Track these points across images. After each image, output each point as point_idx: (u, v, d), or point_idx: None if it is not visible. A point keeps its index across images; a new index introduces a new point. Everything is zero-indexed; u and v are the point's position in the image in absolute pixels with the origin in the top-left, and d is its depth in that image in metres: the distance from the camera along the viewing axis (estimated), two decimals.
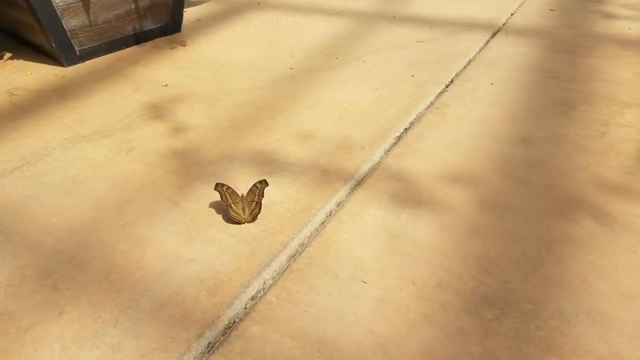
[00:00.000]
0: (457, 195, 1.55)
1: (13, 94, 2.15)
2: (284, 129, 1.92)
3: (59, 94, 2.16)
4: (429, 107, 2.05)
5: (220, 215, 1.47)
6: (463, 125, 1.92)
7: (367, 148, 1.77)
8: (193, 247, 1.35)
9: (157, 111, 2.04)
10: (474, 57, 2.50)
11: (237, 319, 1.17)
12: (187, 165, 1.70)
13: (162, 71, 2.38)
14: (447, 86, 2.23)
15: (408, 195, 1.55)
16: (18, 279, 1.25)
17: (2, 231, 1.40)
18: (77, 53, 2.42)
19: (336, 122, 1.95)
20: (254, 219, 1.45)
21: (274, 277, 1.28)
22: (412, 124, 1.94)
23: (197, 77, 2.34)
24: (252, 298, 1.22)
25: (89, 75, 2.34)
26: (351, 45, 2.66)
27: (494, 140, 1.83)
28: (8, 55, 2.51)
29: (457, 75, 2.33)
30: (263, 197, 1.46)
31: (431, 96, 2.12)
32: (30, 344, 1.11)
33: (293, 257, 1.33)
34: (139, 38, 2.68)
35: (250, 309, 1.19)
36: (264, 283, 1.26)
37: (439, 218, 1.46)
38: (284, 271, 1.29)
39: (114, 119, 1.97)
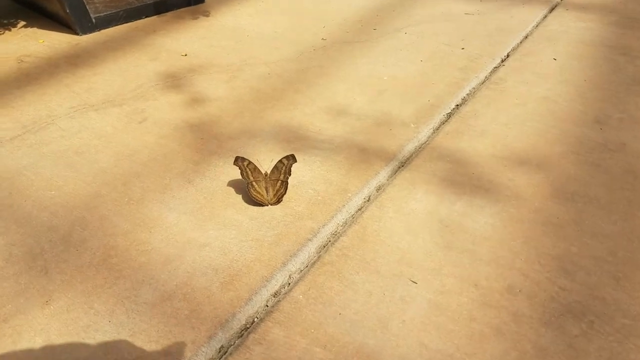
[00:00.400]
0: (524, 181, 1.29)
1: (22, 61, 1.98)
2: (313, 104, 1.68)
3: (70, 62, 1.98)
4: (483, 82, 1.79)
5: (240, 195, 1.25)
6: (525, 102, 1.65)
7: (412, 125, 1.52)
8: (207, 231, 1.14)
9: (174, 81, 1.84)
10: (532, 31, 2.21)
11: (256, 319, 0.95)
12: (203, 139, 1.49)
13: (182, 41, 2.18)
14: (503, 60, 1.96)
15: (464, 179, 1.30)
16: (3, 259, 1.07)
17: None
18: (93, 21, 2.23)
19: (374, 96, 1.71)
20: (278, 200, 1.23)
21: (301, 270, 1.05)
22: (464, 99, 1.68)
23: (219, 47, 2.13)
24: (275, 294, 1.00)
25: (103, 43, 2.16)
26: (390, 16, 2.40)
27: (564, 120, 1.55)
28: (22, 23, 2.35)
29: (514, 49, 2.05)
30: (290, 175, 1.24)
31: (486, 70, 1.85)
32: (9, 336, 0.91)
33: (324, 247, 1.11)
34: (160, 8, 2.49)
35: (273, 307, 0.97)
36: (290, 277, 1.04)
37: (504, 207, 1.20)
38: (313, 263, 1.06)
39: (126, 88, 1.78)
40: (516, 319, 0.94)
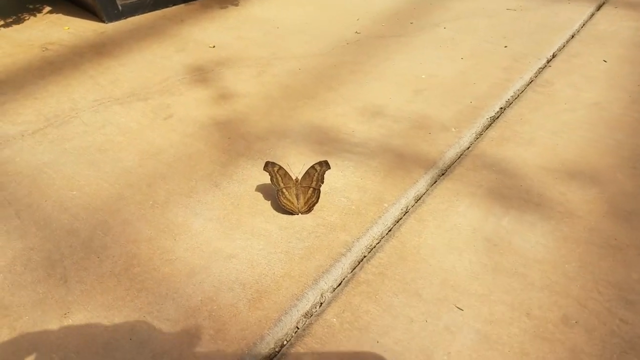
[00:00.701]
0: (578, 197, 1.18)
1: (46, 49, 1.93)
2: (346, 103, 1.59)
3: (95, 51, 1.93)
4: (529, 84, 1.66)
5: (269, 202, 1.18)
6: (575, 108, 1.53)
7: (452, 129, 1.41)
8: (234, 240, 1.06)
9: (201, 74, 1.77)
10: (579, 30, 2.06)
11: (285, 342, 0.88)
12: (231, 139, 1.41)
13: (210, 31, 2.11)
14: (548, 61, 1.82)
15: (512, 192, 1.19)
16: (22, 264, 1.02)
17: (12, 203, 1.17)
18: (119, 8, 2.18)
19: (411, 96, 1.61)
20: (309, 209, 1.15)
21: (334, 289, 0.97)
22: (509, 102, 1.56)
23: (248, 39, 2.04)
24: (307, 315, 0.93)
25: (129, 32, 2.10)
26: (428, 10, 2.28)
27: (617, 129, 1.43)
28: (47, 9, 2.31)
29: (561, 49, 1.91)
30: (323, 183, 1.15)
31: (531, 71, 1.72)
32: (24, 350, 0.86)
33: (359, 264, 1.02)
34: None
35: (304, 330, 0.89)
36: (322, 295, 0.96)
37: (557, 225, 1.10)
38: (347, 281, 0.98)
39: (152, 81, 1.72)
40: (574, 356, 0.84)
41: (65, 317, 0.91)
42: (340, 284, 0.98)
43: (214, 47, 1.98)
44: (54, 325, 0.90)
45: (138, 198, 1.17)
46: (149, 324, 0.89)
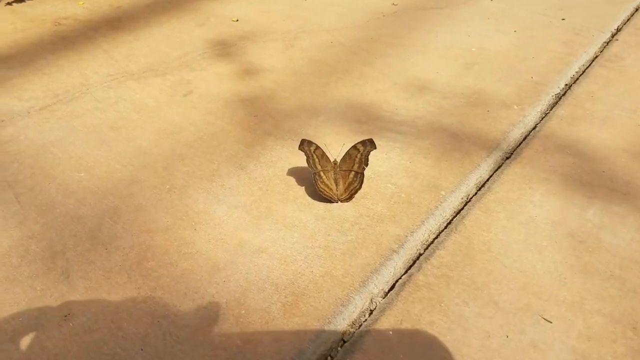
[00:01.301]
0: None
1: (59, 24, 1.80)
2: (386, 79, 1.41)
3: (110, 26, 1.78)
4: (595, 59, 1.45)
5: (303, 188, 1.01)
6: None
7: (515, 106, 1.22)
8: (263, 231, 0.90)
9: (223, 49, 1.60)
10: None
11: (329, 359, 0.71)
12: (258, 116, 1.25)
13: (232, 5, 1.94)
14: (613, 34, 1.60)
15: (593, 178, 1.00)
16: (18, 255, 0.87)
17: (12, 185, 1.03)
18: None
19: (461, 71, 1.41)
20: (350, 196, 0.97)
21: (386, 293, 0.80)
22: (575, 78, 1.36)
23: (273, 12, 1.87)
24: (354, 324, 0.76)
25: (146, 6, 1.95)
26: None
27: None
28: None
29: (626, 22, 1.68)
30: (367, 165, 0.98)
31: (596, 45, 1.51)
32: None
33: (416, 264, 0.85)
34: None
35: (353, 344, 0.72)
36: (372, 301, 0.79)
37: None
38: (403, 285, 0.81)
39: (171, 56, 1.56)
40: None
41: (65, 320, 0.76)
42: (393, 287, 0.81)
43: (237, 20, 1.81)
44: (52, 329, 0.75)
45: (153, 181, 1.02)
46: (164, 331, 0.74)
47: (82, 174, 1.05)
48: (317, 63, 1.52)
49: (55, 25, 1.79)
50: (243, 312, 0.76)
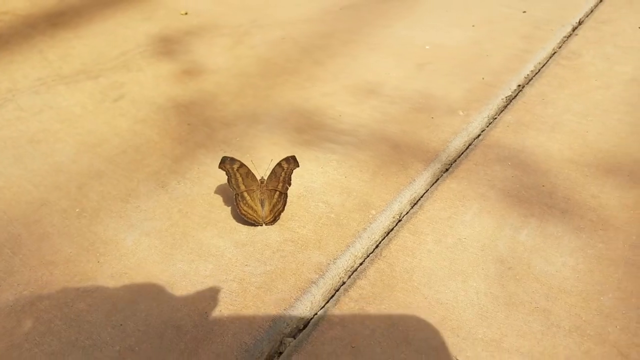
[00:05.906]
0: (614, 200, 0.93)
1: None
2: (335, 80, 1.34)
3: (50, 22, 1.68)
4: (552, 56, 1.39)
5: (229, 209, 0.95)
6: (609, 84, 1.25)
7: (460, 112, 1.16)
8: (174, 262, 0.84)
9: (166, 46, 1.52)
10: None
11: None
12: (191, 125, 1.17)
13: None
14: (574, 28, 1.53)
15: (532, 194, 0.94)
16: None
17: None
18: None
19: (413, 72, 1.34)
20: (275, 219, 0.91)
21: (300, 330, 0.75)
22: (529, 78, 1.29)
23: (227, 4, 1.77)
24: None
25: None
26: None
27: None
28: None
29: (588, 15, 1.61)
30: (290, 185, 0.91)
31: (555, 40, 1.44)
32: None
33: (335, 296, 0.79)
34: None
35: None
36: (282, 343, 0.74)
37: (588, 239, 0.85)
38: (317, 322, 0.75)
39: (108, 56, 1.47)
40: None
41: None
42: (306, 327, 0.75)
43: (186, 14, 1.71)
44: None
45: (64, 204, 0.95)
46: None
47: None
48: (265, 62, 1.44)
49: None
50: None
